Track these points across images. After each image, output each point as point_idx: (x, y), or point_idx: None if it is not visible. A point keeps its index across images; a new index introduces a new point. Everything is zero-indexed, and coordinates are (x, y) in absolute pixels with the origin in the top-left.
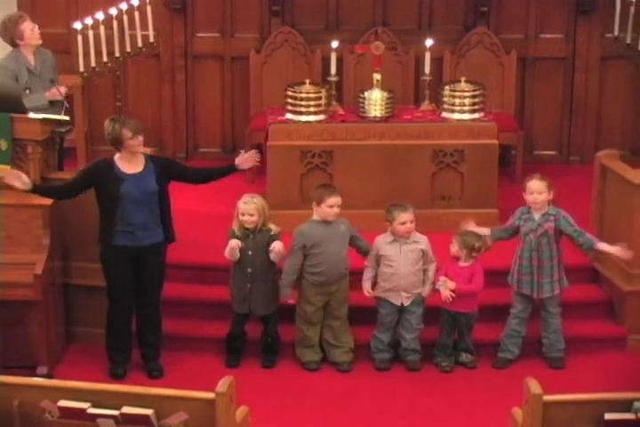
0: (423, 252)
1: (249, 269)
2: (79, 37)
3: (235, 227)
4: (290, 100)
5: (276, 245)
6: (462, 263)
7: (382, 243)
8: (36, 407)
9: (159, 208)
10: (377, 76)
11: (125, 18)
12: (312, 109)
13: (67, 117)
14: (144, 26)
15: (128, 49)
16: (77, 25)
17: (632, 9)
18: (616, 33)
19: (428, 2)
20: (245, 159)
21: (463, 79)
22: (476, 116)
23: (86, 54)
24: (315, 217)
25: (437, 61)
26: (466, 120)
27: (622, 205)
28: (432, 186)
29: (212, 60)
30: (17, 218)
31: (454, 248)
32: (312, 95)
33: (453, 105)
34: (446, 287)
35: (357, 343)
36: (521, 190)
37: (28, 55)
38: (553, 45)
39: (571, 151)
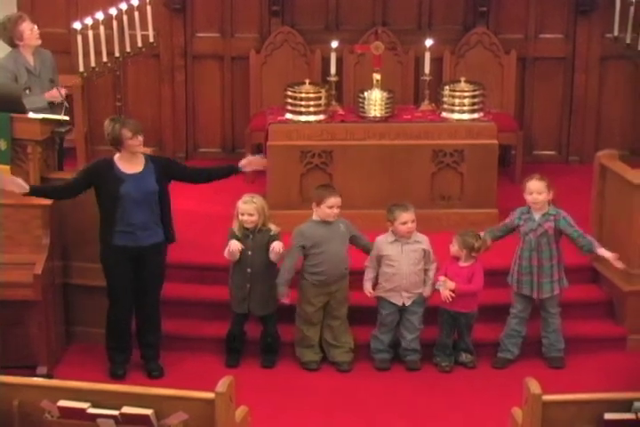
0: (424, 252)
1: (248, 270)
2: (79, 37)
3: (234, 227)
4: (290, 100)
5: (276, 246)
6: (462, 263)
7: (384, 243)
8: (35, 407)
9: (159, 208)
10: (377, 76)
11: (125, 18)
12: (312, 109)
13: (66, 117)
14: (144, 26)
15: (128, 49)
16: (77, 25)
17: (632, 9)
18: (616, 33)
19: (427, 2)
20: (250, 162)
21: (463, 79)
22: (475, 116)
23: (86, 54)
24: (314, 217)
25: (437, 61)
26: (465, 120)
27: (622, 205)
28: (432, 186)
29: (211, 60)
30: (17, 218)
31: (454, 248)
32: (312, 95)
33: (453, 105)
34: (446, 287)
35: (357, 343)
36: (520, 190)
37: (28, 55)
38: (552, 45)
39: (570, 151)
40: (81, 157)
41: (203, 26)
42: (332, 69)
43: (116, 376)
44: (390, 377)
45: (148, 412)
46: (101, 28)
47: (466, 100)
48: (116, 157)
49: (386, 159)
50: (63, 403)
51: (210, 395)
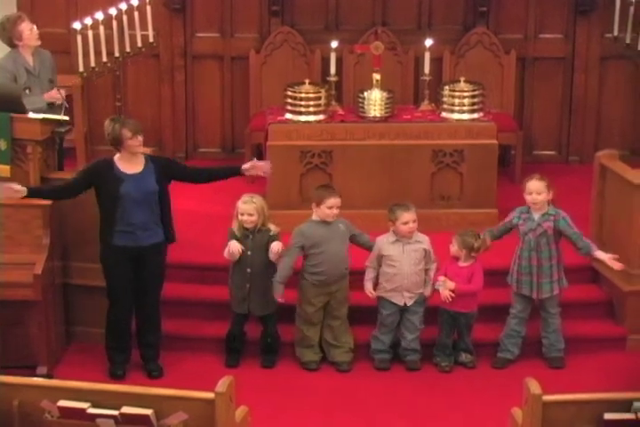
0: (425, 251)
1: (248, 270)
2: (79, 37)
3: (234, 227)
4: (289, 100)
5: (275, 246)
6: (462, 263)
7: (385, 243)
8: (35, 407)
9: (159, 208)
10: (376, 76)
11: (125, 18)
12: (312, 109)
13: (66, 117)
14: (143, 26)
15: (127, 49)
16: (77, 25)
17: (631, 9)
18: (615, 33)
19: (427, 2)
20: (254, 166)
21: (462, 79)
22: (475, 116)
23: (86, 54)
24: (314, 217)
25: (437, 61)
26: (465, 120)
27: (622, 205)
28: (431, 186)
29: (211, 60)
30: (17, 218)
31: (454, 248)
32: (312, 95)
33: (453, 105)
34: (446, 287)
35: (357, 343)
36: (520, 190)
37: (27, 56)
38: (552, 45)
39: (570, 151)
40: (81, 157)
41: (202, 26)
42: (332, 69)
43: (116, 376)
44: (390, 377)
45: (148, 412)
46: (101, 28)
47: (466, 100)
48: (116, 157)
49: (386, 159)
50: (63, 403)
51: (210, 395)
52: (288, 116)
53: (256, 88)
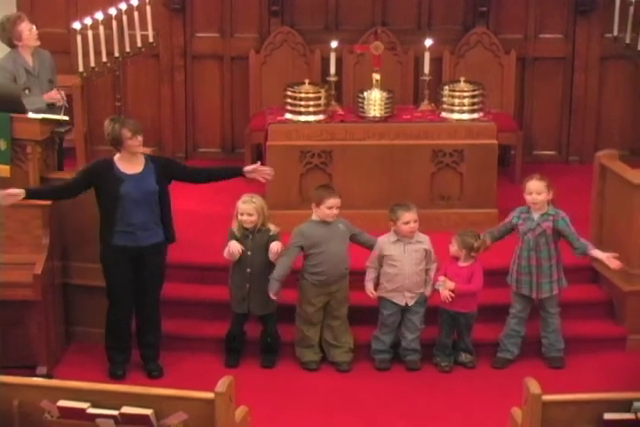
0: (426, 251)
1: (248, 269)
2: (78, 37)
3: (234, 227)
4: (289, 100)
5: (275, 246)
6: (461, 263)
7: (386, 243)
8: (35, 407)
9: (159, 208)
10: (376, 76)
11: (125, 18)
12: (311, 109)
13: (66, 117)
14: (143, 26)
15: (127, 49)
16: (77, 25)
17: (631, 9)
18: (615, 33)
19: (427, 2)
20: (256, 170)
21: (462, 79)
22: (475, 116)
23: (85, 54)
24: (314, 217)
25: (437, 61)
26: (465, 120)
27: (622, 205)
28: (431, 186)
29: (211, 60)
30: (17, 218)
31: (453, 248)
32: (311, 95)
33: (453, 105)
34: (445, 287)
35: (357, 343)
36: (520, 190)
37: (27, 56)
38: (552, 45)
39: (570, 151)
40: (81, 157)
41: (202, 26)
42: (332, 69)
43: (116, 376)
44: (390, 377)
45: (148, 412)
46: (101, 28)
47: (465, 100)
48: (116, 157)
49: (385, 159)
50: (63, 403)
51: (210, 395)
52: (288, 116)
53: (256, 88)
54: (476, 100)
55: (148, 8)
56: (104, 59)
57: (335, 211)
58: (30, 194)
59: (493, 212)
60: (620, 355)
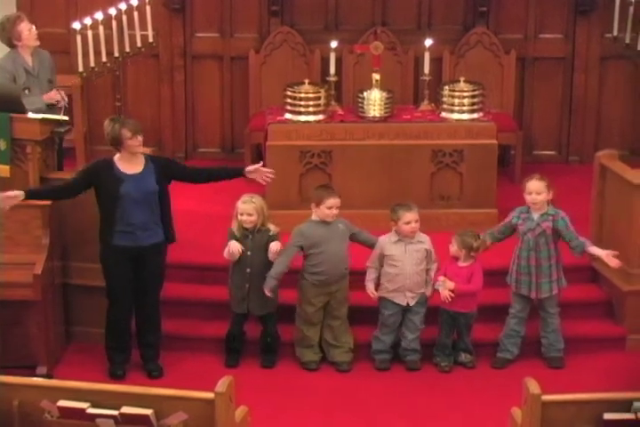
0: (427, 251)
1: (248, 269)
2: (78, 37)
3: (234, 227)
4: (289, 100)
5: (274, 246)
6: (461, 263)
7: (387, 243)
8: (35, 407)
9: (159, 208)
10: (376, 76)
11: (124, 18)
12: (311, 109)
13: (66, 117)
14: (143, 26)
15: (127, 49)
16: (76, 25)
17: (631, 9)
18: (615, 33)
19: (427, 2)
20: (257, 170)
21: (462, 79)
22: (475, 116)
23: (85, 54)
24: (313, 217)
25: (437, 61)
26: (465, 120)
27: (621, 205)
28: (431, 186)
29: (211, 60)
30: (16, 218)
31: (453, 248)
32: (311, 95)
33: (452, 105)
34: (445, 287)
35: (357, 343)
36: (520, 190)
37: (26, 56)
38: (552, 45)
39: (570, 151)
40: (80, 157)
41: (202, 26)
42: (332, 69)
43: (116, 376)
44: (390, 377)
45: (148, 412)
46: (101, 28)
47: (465, 100)
48: (116, 157)
49: (385, 159)
50: (63, 403)
51: (209, 395)
52: (288, 116)
53: (256, 88)
54: (475, 100)
55: (148, 8)
56: (104, 59)
57: (335, 211)
58: (30, 194)
59: (493, 212)
60: (619, 355)
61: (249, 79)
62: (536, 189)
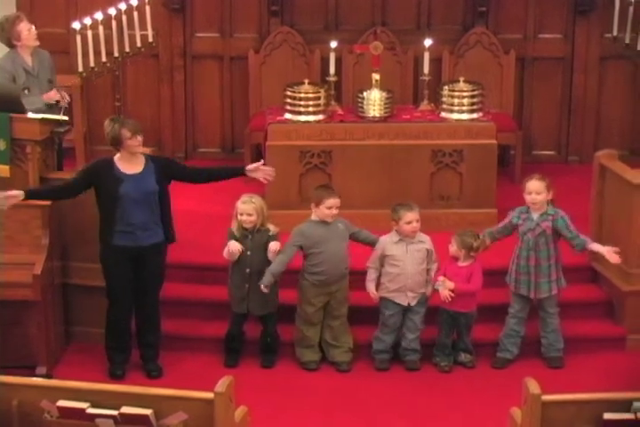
0: (428, 251)
1: (247, 269)
2: (78, 37)
3: (233, 227)
4: (289, 100)
5: (274, 245)
6: (461, 263)
7: (388, 243)
8: (35, 407)
9: (159, 208)
10: (376, 76)
11: (124, 18)
12: (311, 109)
13: (65, 117)
14: (143, 26)
15: (127, 49)
16: (76, 25)
17: (631, 9)
18: (615, 33)
19: (426, 2)
20: (258, 169)
21: (462, 79)
22: (474, 116)
23: (85, 54)
24: (313, 217)
25: (436, 61)
26: (465, 120)
27: (621, 204)
28: (431, 186)
29: (211, 60)
30: (16, 218)
31: (453, 248)
32: (311, 95)
33: (452, 105)
34: (445, 287)
35: (357, 343)
36: (520, 190)
37: (26, 56)
38: (552, 45)
39: (570, 151)
40: (80, 157)
41: (202, 26)
42: (332, 69)
43: (116, 376)
44: (390, 377)
45: (148, 412)
46: (100, 28)
47: (465, 100)
48: (116, 157)
49: (385, 159)
50: (62, 403)
51: (209, 395)
52: (287, 116)
53: (255, 88)
54: (475, 100)
55: (148, 8)
56: (103, 59)
57: (335, 211)
58: (30, 194)
59: (493, 212)
60: (619, 355)
61: (249, 79)
62: (536, 189)
